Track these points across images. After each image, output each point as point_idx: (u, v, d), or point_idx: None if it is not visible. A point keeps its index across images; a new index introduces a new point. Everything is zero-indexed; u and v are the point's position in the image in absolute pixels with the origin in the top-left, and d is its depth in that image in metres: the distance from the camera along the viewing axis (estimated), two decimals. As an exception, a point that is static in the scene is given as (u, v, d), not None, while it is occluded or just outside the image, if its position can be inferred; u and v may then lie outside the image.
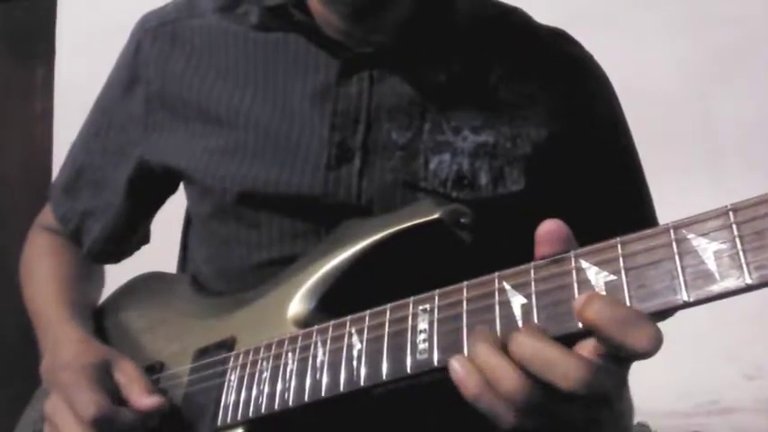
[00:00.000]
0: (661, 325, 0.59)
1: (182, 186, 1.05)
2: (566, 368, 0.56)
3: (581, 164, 0.93)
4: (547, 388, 0.57)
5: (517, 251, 0.68)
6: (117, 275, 1.16)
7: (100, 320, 1.07)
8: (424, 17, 0.94)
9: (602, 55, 1.03)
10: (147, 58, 1.02)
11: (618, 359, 0.58)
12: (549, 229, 0.63)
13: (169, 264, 1.15)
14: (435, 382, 0.67)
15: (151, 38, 1.02)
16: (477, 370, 0.60)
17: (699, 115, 2.68)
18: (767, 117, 2.62)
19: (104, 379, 0.88)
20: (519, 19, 1.01)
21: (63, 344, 0.96)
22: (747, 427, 2.45)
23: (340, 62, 0.92)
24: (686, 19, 2.67)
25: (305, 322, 0.81)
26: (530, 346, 0.58)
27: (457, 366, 0.61)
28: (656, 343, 0.55)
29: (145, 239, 1.16)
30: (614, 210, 0.95)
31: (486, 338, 0.61)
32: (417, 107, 0.90)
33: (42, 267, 1.11)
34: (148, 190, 1.07)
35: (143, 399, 0.86)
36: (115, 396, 0.87)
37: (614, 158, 0.98)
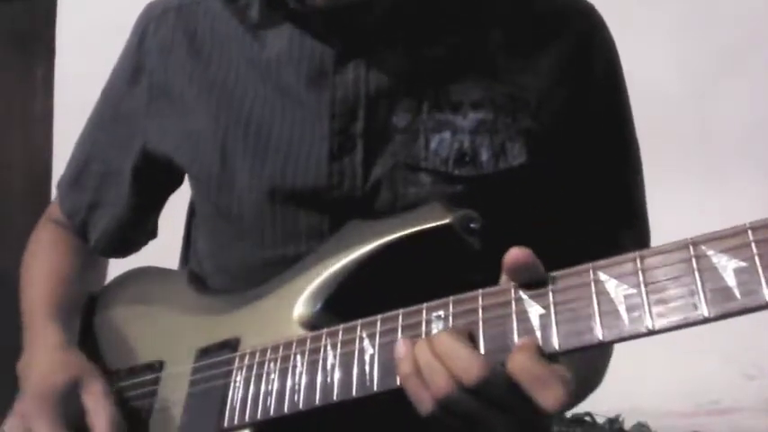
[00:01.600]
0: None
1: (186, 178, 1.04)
2: (469, 364, 0.63)
3: (579, 131, 0.92)
4: (459, 384, 0.63)
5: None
6: (118, 269, 1.16)
7: (91, 315, 1.06)
8: None
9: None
10: (150, 47, 1.02)
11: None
12: (517, 257, 0.65)
13: (172, 256, 1.14)
14: None
15: (155, 26, 1.02)
16: (413, 357, 0.66)
17: (698, 115, 2.68)
18: (767, 117, 2.63)
19: (69, 405, 0.89)
20: None
21: (39, 348, 0.96)
22: (747, 427, 2.45)
23: (335, 50, 0.91)
24: (686, 19, 2.68)
25: (311, 324, 0.81)
26: (445, 343, 0.65)
27: (400, 347, 0.68)
28: (560, 406, 0.62)
29: (152, 234, 1.14)
30: (604, 179, 0.94)
31: (424, 339, 0.68)
32: (416, 86, 0.89)
33: (41, 262, 1.10)
34: (154, 180, 1.06)
35: None
36: (78, 420, 0.87)
37: (610, 126, 0.95)
